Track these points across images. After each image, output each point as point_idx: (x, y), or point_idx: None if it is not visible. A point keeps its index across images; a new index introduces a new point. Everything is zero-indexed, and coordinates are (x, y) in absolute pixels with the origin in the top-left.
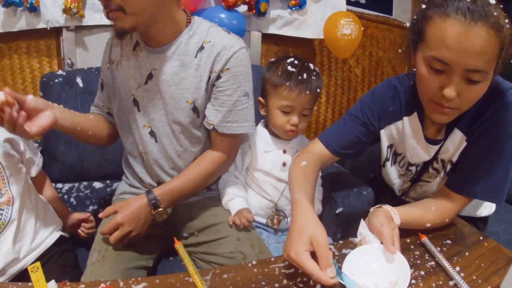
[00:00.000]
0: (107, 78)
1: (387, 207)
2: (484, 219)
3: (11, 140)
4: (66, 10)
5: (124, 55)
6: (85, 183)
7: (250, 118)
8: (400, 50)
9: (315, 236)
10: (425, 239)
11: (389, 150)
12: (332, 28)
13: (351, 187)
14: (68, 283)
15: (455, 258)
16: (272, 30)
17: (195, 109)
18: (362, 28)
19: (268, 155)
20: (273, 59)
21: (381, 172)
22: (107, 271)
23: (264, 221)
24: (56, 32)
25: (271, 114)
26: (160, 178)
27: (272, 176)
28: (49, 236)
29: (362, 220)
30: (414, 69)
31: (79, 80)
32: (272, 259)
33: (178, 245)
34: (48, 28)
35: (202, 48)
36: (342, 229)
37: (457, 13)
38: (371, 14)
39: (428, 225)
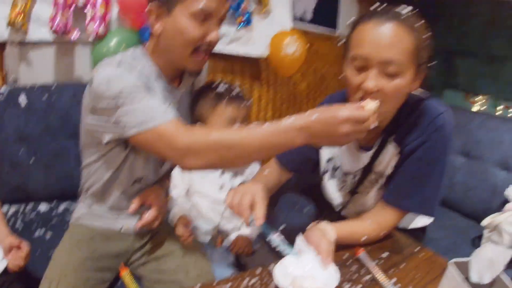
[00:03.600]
0: None
1: (324, 223)
2: (423, 229)
3: None
4: (11, 24)
5: (153, 85)
6: (31, 204)
7: None
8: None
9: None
10: (361, 253)
11: (328, 163)
12: (276, 47)
13: (293, 204)
14: None
15: (392, 270)
16: (218, 47)
17: None
18: (308, 45)
19: (205, 178)
20: (197, 90)
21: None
22: None
23: (207, 240)
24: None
25: None
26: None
27: (210, 199)
28: None
29: (300, 234)
30: None
31: (22, 98)
32: (215, 283)
33: (124, 273)
34: None
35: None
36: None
37: (374, 18)
38: (316, 31)
39: (365, 238)
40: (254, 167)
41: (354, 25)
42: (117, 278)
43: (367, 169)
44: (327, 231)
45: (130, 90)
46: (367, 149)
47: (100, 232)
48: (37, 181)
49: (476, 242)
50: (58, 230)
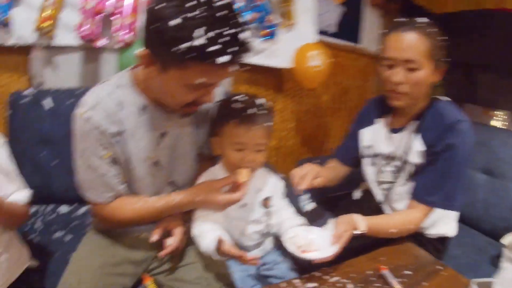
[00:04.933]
0: (118, 152)
1: (355, 215)
2: (443, 241)
3: None
4: (38, 28)
5: (131, 123)
6: (52, 206)
7: None
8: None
9: None
10: (384, 270)
11: (368, 149)
12: (301, 60)
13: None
14: None
15: None
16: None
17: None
18: (333, 60)
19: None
20: (223, 99)
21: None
22: None
23: None
24: (26, 50)
25: (225, 153)
26: None
27: (231, 217)
28: (15, 271)
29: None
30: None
31: (47, 101)
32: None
33: (148, 282)
34: (17, 46)
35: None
36: None
37: (398, 28)
38: (339, 44)
39: (393, 230)
40: (276, 181)
41: (385, 35)
42: (136, 284)
43: (400, 156)
44: (358, 220)
45: (88, 152)
46: (397, 130)
47: (119, 238)
48: (59, 183)
49: (495, 261)
50: (77, 233)
